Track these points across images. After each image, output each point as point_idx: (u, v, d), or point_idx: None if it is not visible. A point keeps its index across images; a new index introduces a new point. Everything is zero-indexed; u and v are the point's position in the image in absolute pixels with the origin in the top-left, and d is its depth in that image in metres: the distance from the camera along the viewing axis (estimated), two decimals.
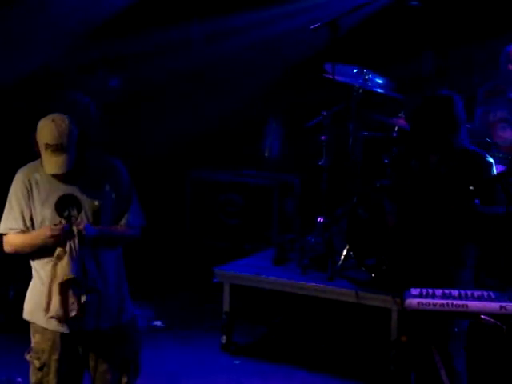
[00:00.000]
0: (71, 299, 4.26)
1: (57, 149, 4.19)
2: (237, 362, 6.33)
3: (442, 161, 5.06)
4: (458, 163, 5.03)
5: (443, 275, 5.04)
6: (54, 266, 4.26)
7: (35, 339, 4.42)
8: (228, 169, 8.23)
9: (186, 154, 8.31)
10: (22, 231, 4.34)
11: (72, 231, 4.24)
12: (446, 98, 5.05)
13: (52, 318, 4.29)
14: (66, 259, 4.23)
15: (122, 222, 4.42)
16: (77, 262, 4.24)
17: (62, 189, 4.31)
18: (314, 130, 6.89)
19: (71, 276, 4.24)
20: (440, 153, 5.07)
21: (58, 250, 4.24)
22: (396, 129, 6.65)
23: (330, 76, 6.45)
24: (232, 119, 8.12)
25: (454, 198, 4.90)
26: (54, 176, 4.29)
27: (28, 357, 4.45)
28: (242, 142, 8.15)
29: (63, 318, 4.28)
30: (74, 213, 4.31)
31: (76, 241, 4.23)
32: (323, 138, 6.80)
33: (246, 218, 8.06)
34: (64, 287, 4.24)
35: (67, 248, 4.22)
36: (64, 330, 4.36)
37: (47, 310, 4.30)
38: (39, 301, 4.38)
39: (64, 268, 4.23)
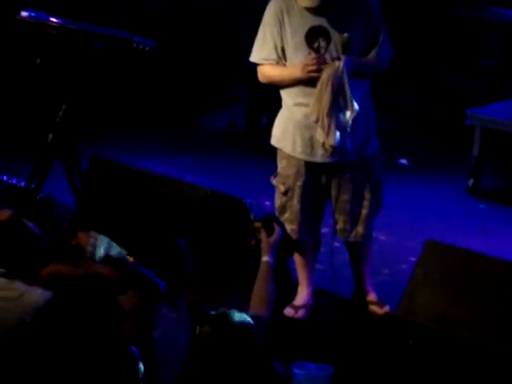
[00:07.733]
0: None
1: None
2: (482, 206, 6.24)
3: None
4: None
5: None
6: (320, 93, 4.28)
7: (281, 165, 4.57)
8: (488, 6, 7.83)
9: None
10: (276, 62, 4.41)
11: (325, 61, 4.25)
12: None
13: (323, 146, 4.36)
14: (329, 88, 4.25)
15: (372, 54, 4.38)
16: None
17: (313, 20, 4.31)
18: None
19: None
20: None
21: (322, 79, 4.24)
22: None
23: None
24: None
25: None
26: (306, 8, 4.28)
27: (274, 181, 4.62)
28: None
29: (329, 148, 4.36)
30: (324, 44, 4.32)
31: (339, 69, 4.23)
32: None
33: (505, 60, 7.70)
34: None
35: (326, 78, 4.23)
36: (309, 158, 4.47)
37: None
38: (286, 128, 4.50)
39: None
